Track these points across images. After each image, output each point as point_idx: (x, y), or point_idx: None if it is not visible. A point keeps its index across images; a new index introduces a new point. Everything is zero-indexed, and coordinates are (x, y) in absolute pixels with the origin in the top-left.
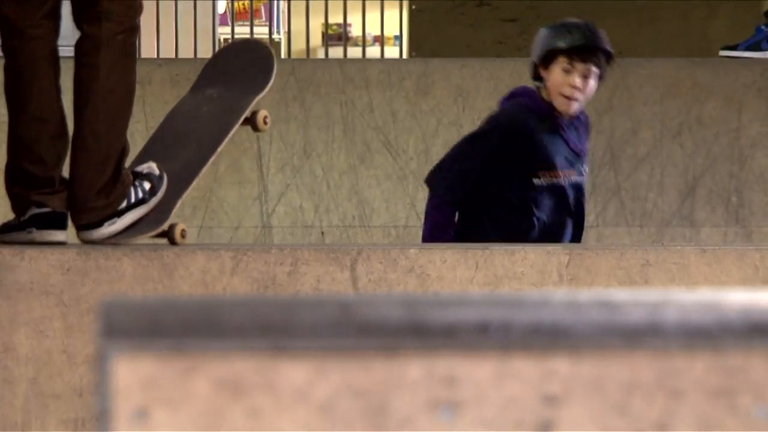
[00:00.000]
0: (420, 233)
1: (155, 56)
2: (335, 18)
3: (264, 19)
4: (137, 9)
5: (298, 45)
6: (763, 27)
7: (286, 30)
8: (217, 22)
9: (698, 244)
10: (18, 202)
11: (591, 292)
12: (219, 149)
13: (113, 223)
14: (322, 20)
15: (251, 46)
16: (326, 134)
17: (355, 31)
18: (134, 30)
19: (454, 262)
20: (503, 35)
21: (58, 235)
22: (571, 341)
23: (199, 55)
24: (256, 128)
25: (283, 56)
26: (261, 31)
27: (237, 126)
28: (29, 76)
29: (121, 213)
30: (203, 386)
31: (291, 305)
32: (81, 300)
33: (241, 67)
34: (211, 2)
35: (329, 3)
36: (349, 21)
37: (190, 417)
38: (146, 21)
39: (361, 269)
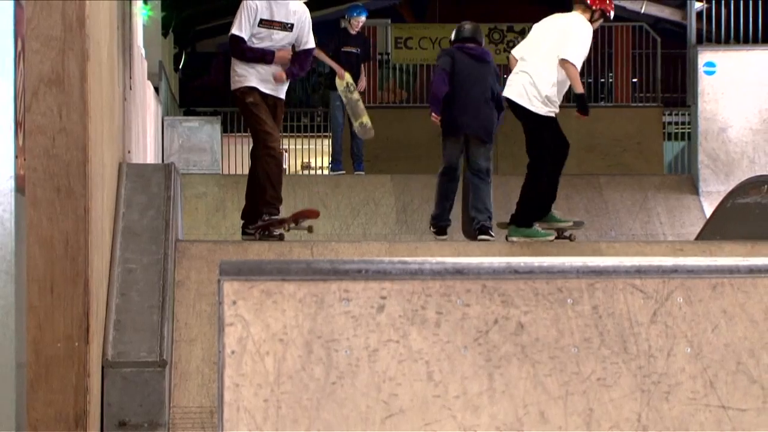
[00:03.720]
0: (333, 237)
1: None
2: (306, 159)
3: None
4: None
5: (291, 170)
6: None
7: (287, 165)
8: None
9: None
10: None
11: (398, 258)
12: None
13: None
14: (301, 160)
15: None
16: (303, 203)
17: (314, 164)
18: (256, 157)
19: (347, 247)
20: None
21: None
22: (390, 276)
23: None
24: None
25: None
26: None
27: None
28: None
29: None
30: (257, 293)
31: (289, 262)
32: (215, 260)
33: None
34: None
35: (303, 153)
36: (311, 161)
37: (251, 305)
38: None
39: (315, 249)
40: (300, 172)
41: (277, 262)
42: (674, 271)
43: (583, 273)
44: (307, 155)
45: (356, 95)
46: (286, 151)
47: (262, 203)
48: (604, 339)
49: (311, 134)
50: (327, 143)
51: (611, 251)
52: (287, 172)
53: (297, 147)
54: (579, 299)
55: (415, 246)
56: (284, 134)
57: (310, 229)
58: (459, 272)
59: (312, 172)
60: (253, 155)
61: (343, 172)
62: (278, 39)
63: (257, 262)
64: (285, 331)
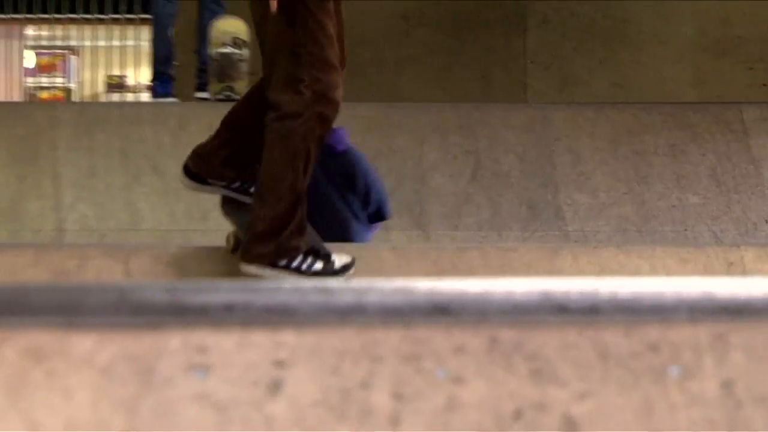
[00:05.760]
0: (174, 237)
1: None
2: (116, 71)
3: (61, 71)
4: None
5: (87, 91)
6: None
7: (78, 80)
8: (23, 73)
9: (391, 244)
10: None
11: (312, 282)
12: None
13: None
14: (106, 72)
15: None
16: (108, 160)
17: (131, 80)
18: (297, 116)
19: (204, 257)
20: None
21: None
22: (296, 318)
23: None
24: None
25: (75, 99)
26: (59, 81)
27: None
28: None
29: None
30: (12, 355)
31: (80, 290)
32: None
33: None
34: (20, 58)
35: (112, 59)
36: (126, 73)
37: (1, 378)
38: None
39: (133, 263)
40: (104, 96)
41: (57, 287)
42: None
43: (703, 311)
44: (117, 61)
45: (244, 52)
46: (74, 53)
47: (291, 223)
48: None
49: (119, 16)
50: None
51: (765, 265)
52: (73, 95)
53: (98, 44)
54: (694, 367)
55: (361, 250)
56: (66, 18)
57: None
58: (442, 310)
59: (127, 96)
60: (282, 113)
61: (175, 99)
62: None
63: (14, 288)
64: None
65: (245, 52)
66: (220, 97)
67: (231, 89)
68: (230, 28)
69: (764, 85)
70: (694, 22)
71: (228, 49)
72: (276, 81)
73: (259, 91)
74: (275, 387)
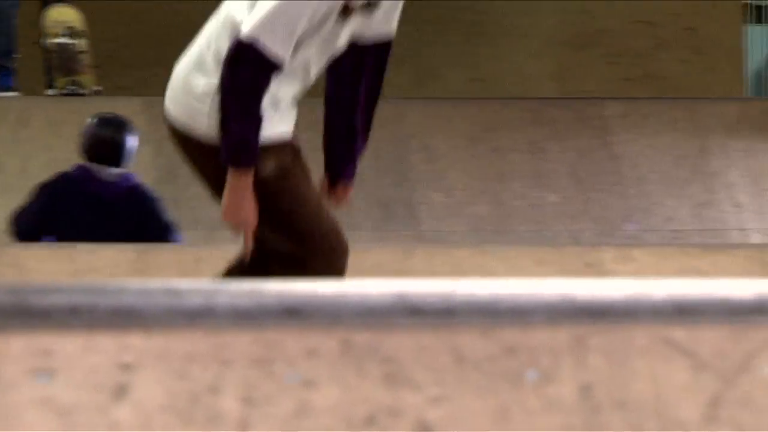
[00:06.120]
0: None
1: None
2: None
3: None
4: None
5: None
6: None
7: None
8: None
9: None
10: None
11: (159, 280)
12: None
13: None
14: None
15: None
16: None
17: None
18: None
19: (46, 257)
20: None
21: None
22: (143, 321)
23: None
24: None
25: None
26: None
27: None
28: None
29: None
30: None
31: None
32: None
33: None
34: None
35: None
36: None
37: None
38: None
39: None
40: None
41: None
42: (760, 309)
43: (562, 314)
44: None
45: (81, 42)
46: None
47: None
48: None
49: None
50: None
51: (627, 266)
52: None
53: None
54: (552, 371)
55: (198, 255)
56: None
57: None
58: (294, 312)
59: None
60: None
61: (16, 93)
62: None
63: None
64: None
65: (83, 43)
66: (65, 91)
67: (76, 83)
68: (62, 17)
69: (626, 79)
70: (555, 15)
71: (63, 39)
72: (280, 257)
73: None
74: (120, 391)
